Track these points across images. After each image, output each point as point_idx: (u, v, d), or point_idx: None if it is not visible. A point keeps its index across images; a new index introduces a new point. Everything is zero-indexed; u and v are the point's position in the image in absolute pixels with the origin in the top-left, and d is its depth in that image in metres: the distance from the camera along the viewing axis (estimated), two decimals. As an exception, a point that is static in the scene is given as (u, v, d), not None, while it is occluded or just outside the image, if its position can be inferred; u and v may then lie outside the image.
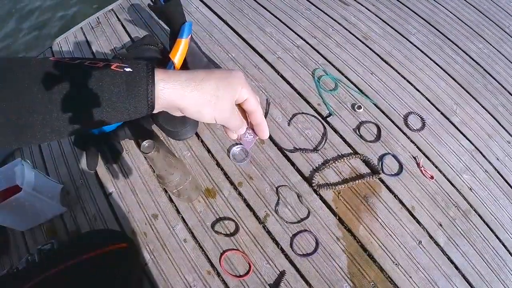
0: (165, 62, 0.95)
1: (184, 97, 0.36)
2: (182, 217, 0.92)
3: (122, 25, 1.36)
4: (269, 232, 0.89)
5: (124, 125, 0.96)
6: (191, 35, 0.99)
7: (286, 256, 0.86)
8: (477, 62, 1.20)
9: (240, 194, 0.94)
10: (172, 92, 0.36)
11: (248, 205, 0.92)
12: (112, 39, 1.31)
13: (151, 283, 0.85)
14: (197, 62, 0.99)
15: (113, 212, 0.95)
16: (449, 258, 0.86)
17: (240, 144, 0.65)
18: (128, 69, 0.34)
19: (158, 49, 0.99)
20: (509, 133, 1.06)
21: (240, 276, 0.84)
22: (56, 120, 0.33)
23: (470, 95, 1.12)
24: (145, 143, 0.62)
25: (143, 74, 0.34)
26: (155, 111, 0.37)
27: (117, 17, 1.39)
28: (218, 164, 0.99)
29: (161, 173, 0.71)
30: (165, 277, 0.85)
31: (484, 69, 1.18)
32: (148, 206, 0.94)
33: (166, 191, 0.95)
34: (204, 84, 0.37)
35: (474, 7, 1.35)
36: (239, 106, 0.43)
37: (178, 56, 0.94)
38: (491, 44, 1.24)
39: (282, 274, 0.84)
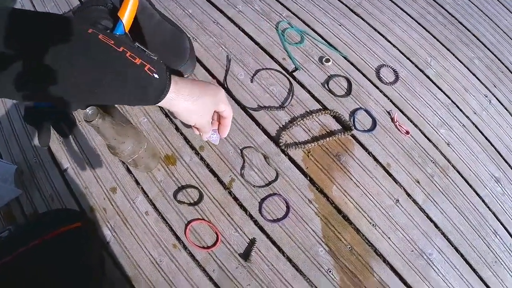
0: (114, 22, 0.86)
1: (183, 108, 0.50)
2: (142, 188, 0.85)
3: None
4: (235, 198, 0.83)
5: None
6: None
7: (256, 223, 0.81)
8: (451, 14, 1.14)
9: (202, 159, 0.88)
10: (176, 103, 0.49)
11: (211, 171, 0.86)
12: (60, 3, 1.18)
13: (115, 262, 0.80)
14: (147, 20, 0.91)
15: (69, 189, 0.88)
16: (428, 216, 0.83)
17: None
18: (156, 76, 0.44)
19: (106, 8, 0.90)
20: (485, 86, 1.02)
21: (208, 247, 0.79)
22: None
23: (445, 47, 1.07)
24: (88, 111, 0.55)
25: (163, 82, 0.46)
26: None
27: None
28: (177, 129, 0.92)
29: (111, 143, 0.64)
30: (129, 254, 0.80)
31: (459, 21, 1.13)
32: (106, 180, 0.87)
33: (123, 162, 0.88)
34: (200, 100, 0.51)
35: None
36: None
37: (127, 14, 0.85)
38: (465, -4, 1.19)
39: (252, 242, 0.79)
